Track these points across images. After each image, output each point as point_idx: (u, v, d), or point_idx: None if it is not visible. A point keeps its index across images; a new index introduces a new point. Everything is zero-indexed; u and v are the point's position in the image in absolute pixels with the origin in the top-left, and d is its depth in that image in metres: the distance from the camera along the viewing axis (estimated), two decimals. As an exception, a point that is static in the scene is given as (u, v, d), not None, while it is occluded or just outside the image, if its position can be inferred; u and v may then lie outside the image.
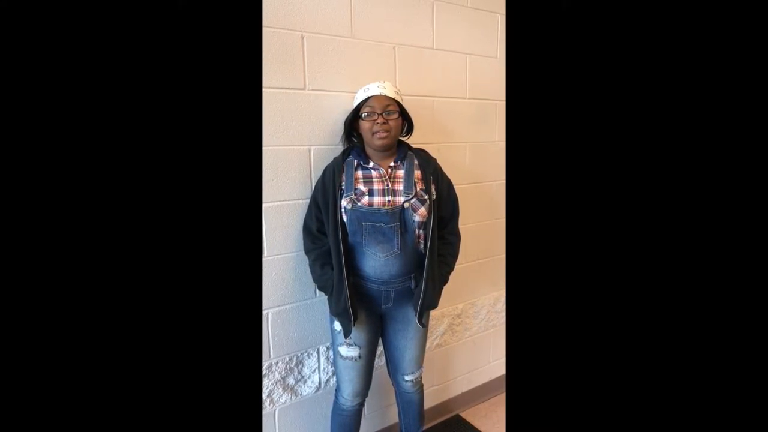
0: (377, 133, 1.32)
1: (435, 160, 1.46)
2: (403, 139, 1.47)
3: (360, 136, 1.42)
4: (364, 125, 1.34)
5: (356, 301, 1.37)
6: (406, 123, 1.44)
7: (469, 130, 1.87)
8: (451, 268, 1.49)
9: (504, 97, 1.90)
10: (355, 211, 1.32)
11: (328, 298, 1.41)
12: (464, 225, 1.74)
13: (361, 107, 1.35)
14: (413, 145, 1.48)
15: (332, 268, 1.36)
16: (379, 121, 1.31)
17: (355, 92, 1.43)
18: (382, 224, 1.32)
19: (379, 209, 1.32)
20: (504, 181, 2.01)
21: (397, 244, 1.34)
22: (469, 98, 1.84)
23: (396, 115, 1.35)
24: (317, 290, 1.56)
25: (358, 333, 1.40)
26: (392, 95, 1.35)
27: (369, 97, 1.33)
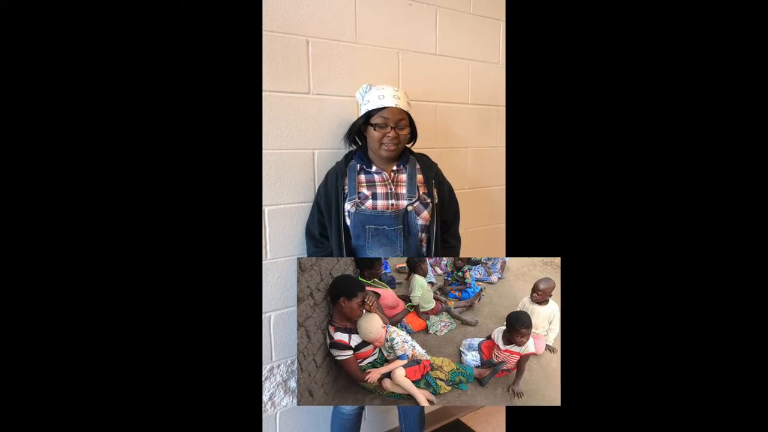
0: (386, 144, 1.31)
1: (436, 164, 1.48)
2: (406, 145, 1.48)
3: (364, 139, 1.42)
4: (374, 134, 1.32)
5: None
6: (411, 132, 1.45)
7: (471, 135, 1.88)
8: None
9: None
10: (358, 214, 1.33)
11: None
12: (465, 229, 1.74)
13: (373, 114, 1.32)
14: (416, 150, 1.49)
15: None
16: (391, 134, 1.30)
17: (362, 90, 1.40)
18: (386, 227, 1.33)
19: (382, 212, 1.33)
20: (505, 186, 2.02)
21: (400, 246, 1.35)
22: (471, 103, 1.86)
23: (406, 129, 1.34)
24: (319, 293, 1.57)
25: None
26: (405, 107, 1.33)
27: (384, 108, 1.30)
